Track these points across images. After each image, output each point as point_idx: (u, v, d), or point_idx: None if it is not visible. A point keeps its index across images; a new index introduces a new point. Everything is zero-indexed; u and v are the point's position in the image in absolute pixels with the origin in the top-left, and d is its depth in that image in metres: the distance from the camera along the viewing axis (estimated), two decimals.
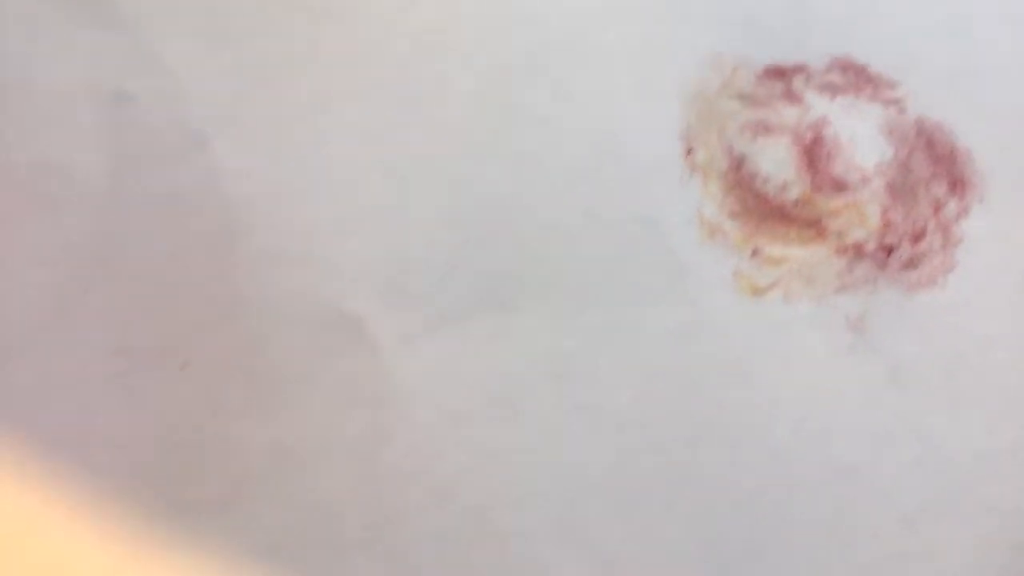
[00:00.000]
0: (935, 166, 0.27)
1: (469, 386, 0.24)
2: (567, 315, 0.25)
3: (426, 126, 0.26)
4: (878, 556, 0.25)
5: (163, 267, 0.24)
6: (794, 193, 0.26)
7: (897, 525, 0.25)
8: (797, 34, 0.27)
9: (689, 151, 0.26)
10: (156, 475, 0.23)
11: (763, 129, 0.27)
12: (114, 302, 0.24)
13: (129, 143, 0.25)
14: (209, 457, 0.23)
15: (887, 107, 0.27)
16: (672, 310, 0.25)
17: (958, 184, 0.27)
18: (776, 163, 0.27)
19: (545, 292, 0.25)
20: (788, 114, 0.27)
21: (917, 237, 0.26)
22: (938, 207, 0.27)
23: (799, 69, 0.27)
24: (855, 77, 0.27)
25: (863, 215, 0.26)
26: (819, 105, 0.27)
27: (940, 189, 0.27)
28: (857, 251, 0.26)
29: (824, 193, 0.27)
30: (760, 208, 0.26)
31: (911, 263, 0.26)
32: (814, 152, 0.27)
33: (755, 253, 0.26)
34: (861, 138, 0.27)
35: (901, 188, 0.27)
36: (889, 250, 0.26)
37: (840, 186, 0.27)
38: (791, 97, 0.27)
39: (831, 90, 0.27)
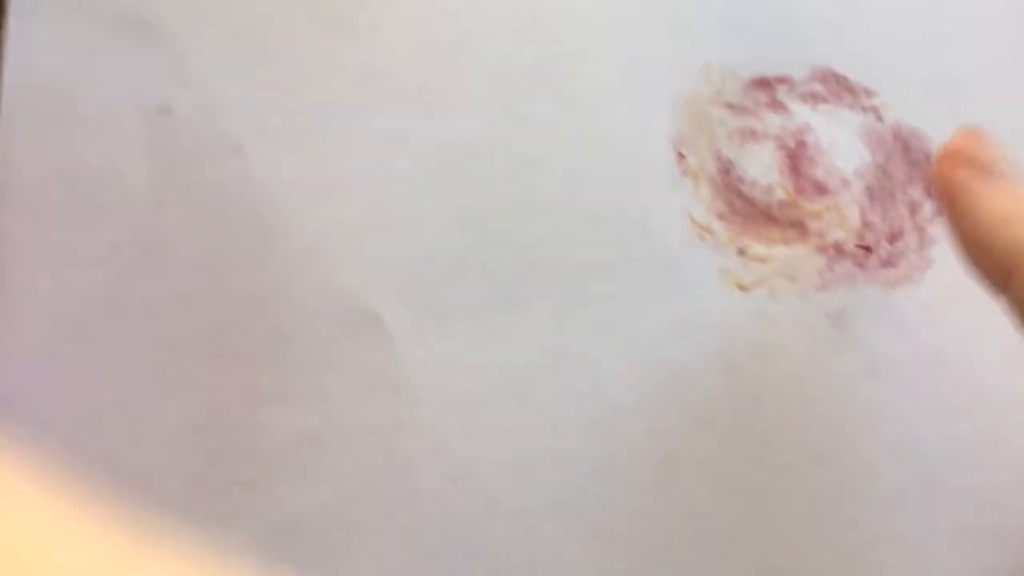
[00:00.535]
0: (911, 170, 0.29)
1: (477, 377, 0.26)
2: (568, 311, 0.27)
3: (440, 134, 0.28)
4: (857, 539, 0.27)
5: (201, 266, 0.26)
6: (778, 196, 0.28)
7: (874, 511, 0.27)
8: (782, 46, 0.29)
9: (681, 156, 0.28)
10: (192, 456, 0.25)
11: (750, 136, 0.29)
12: (158, 298, 0.26)
13: (170, 152, 0.27)
14: (240, 441, 0.25)
15: (866, 114, 0.29)
16: (665, 306, 0.27)
17: (933, 187, 0.29)
18: (762, 167, 0.29)
19: (547, 289, 0.27)
20: (773, 122, 0.29)
21: (894, 237, 0.28)
22: (914, 209, 0.29)
23: (783, 80, 0.29)
24: (836, 86, 0.29)
25: (843, 216, 0.28)
26: (802, 113, 0.29)
27: (916, 192, 0.29)
28: (837, 250, 0.28)
29: (806, 196, 0.28)
30: (746, 210, 0.28)
31: (888, 262, 0.28)
32: (797, 157, 0.29)
33: (741, 252, 0.28)
34: (841, 144, 0.29)
35: (879, 191, 0.29)
36: (868, 249, 0.28)
37: (821, 189, 0.28)
38: (776, 106, 0.29)
39: (813, 99, 0.29)
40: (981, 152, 0.24)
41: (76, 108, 0.27)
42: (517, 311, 0.27)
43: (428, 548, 0.26)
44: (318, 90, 0.28)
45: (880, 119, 0.29)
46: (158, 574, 0.12)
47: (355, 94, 0.28)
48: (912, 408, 0.27)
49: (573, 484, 0.27)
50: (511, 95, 0.28)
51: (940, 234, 0.28)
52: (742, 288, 0.28)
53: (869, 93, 0.29)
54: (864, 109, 0.29)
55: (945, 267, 0.28)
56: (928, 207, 0.29)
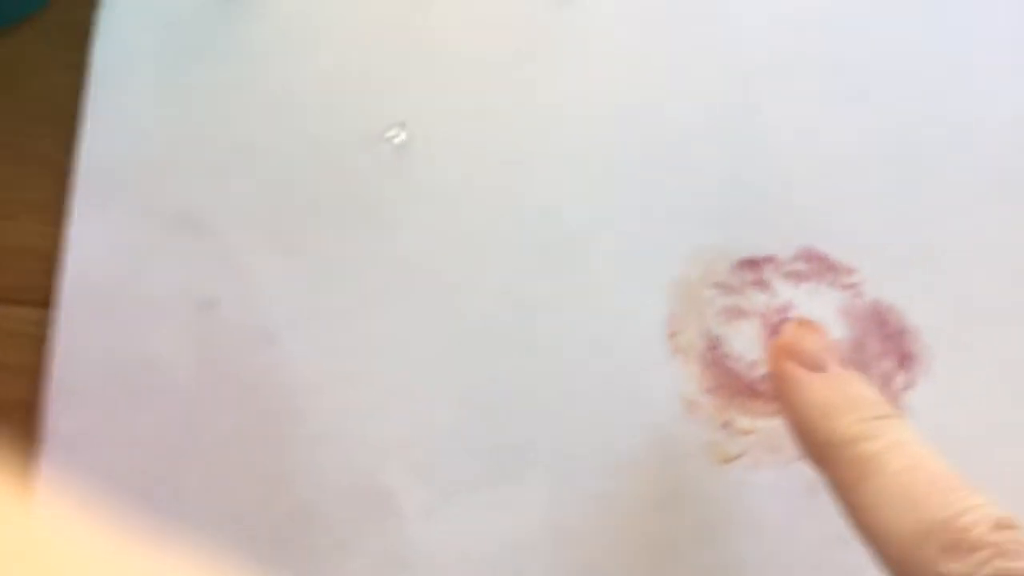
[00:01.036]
0: (885, 343, 0.31)
1: (478, 552, 0.30)
2: (563, 485, 0.30)
3: (451, 319, 0.31)
4: None
5: (231, 445, 0.30)
6: (762, 370, 0.31)
7: None
8: (768, 228, 0.32)
9: (673, 335, 0.31)
10: None
11: (737, 313, 0.32)
12: (197, 473, 0.29)
13: (212, 341, 0.31)
14: None
15: (846, 291, 0.32)
16: (654, 478, 0.30)
17: (906, 359, 0.31)
18: (747, 344, 0.31)
19: (546, 465, 0.30)
20: (758, 300, 0.32)
21: None
22: (887, 380, 0.31)
23: (769, 259, 0.32)
24: (819, 265, 0.32)
25: None
26: (785, 291, 0.32)
27: (889, 364, 0.31)
28: None
29: None
30: (732, 384, 0.31)
31: None
32: (779, 333, 0.31)
33: (727, 425, 0.31)
34: (820, 320, 0.31)
35: (854, 364, 0.31)
36: None
37: None
38: (761, 284, 0.32)
39: (797, 277, 0.32)
40: (807, 345, 0.27)
41: (131, 299, 0.31)
42: (514, 486, 0.30)
43: None
44: (346, 280, 0.31)
45: (859, 295, 0.32)
46: None
47: (378, 284, 0.31)
48: (876, 572, 0.30)
49: None
50: (516, 281, 0.31)
51: (912, 404, 0.31)
52: (727, 460, 0.31)
53: (850, 271, 0.32)
54: (844, 286, 0.32)
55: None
56: (901, 378, 0.31)
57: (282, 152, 0.32)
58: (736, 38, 0.33)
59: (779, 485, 0.31)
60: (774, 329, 0.31)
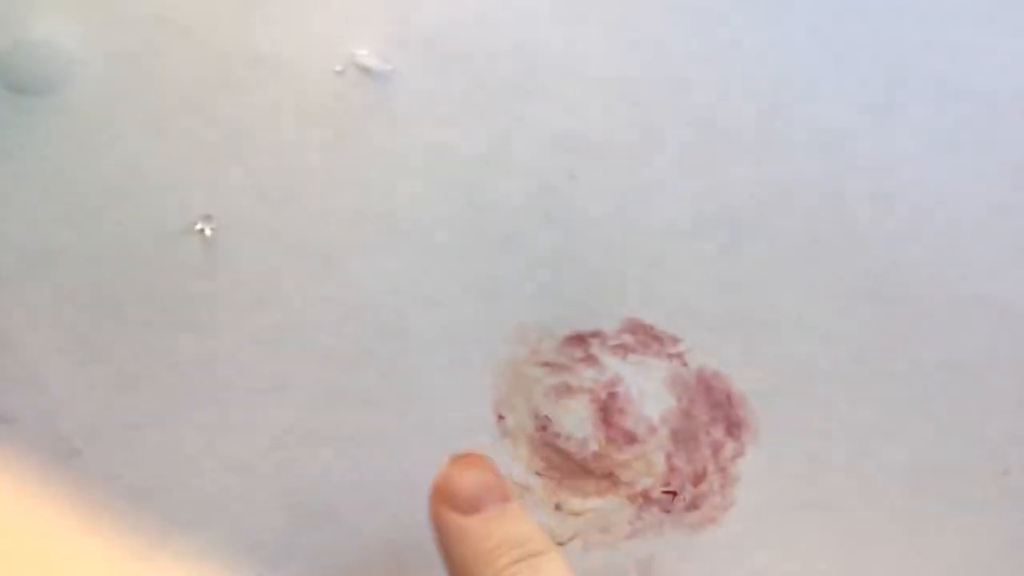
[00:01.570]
0: (713, 411, 0.31)
1: None
2: None
3: (266, 421, 0.30)
4: None
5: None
6: (592, 447, 0.31)
7: None
8: (593, 302, 0.31)
9: (500, 418, 0.31)
10: None
11: (565, 391, 0.31)
12: None
13: (10, 460, 0.29)
14: None
15: (671, 361, 0.32)
16: None
17: (734, 426, 0.31)
18: (577, 421, 0.31)
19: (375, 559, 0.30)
20: (587, 375, 0.31)
21: (698, 479, 0.31)
22: (717, 449, 0.31)
23: (596, 334, 0.31)
24: (644, 336, 0.32)
25: (650, 463, 0.31)
26: (613, 365, 0.31)
27: (718, 432, 0.31)
28: (645, 498, 0.31)
29: (616, 446, 0.31)
30: (563, 464, 0.31)
31: (693, 504, 0.31)
32: (608, 409, 0.31)
33: (558, 507, 0.31)
34: (648, 392, 0.31)
35: (683, 434, 0.31)
36: (673, 494, 0.31)
37: (631, 438, 0.31)
38: (589, 359, 0.31)
39: (623, 350, 0.31)
40: (462, 485, 0.26)
41: None
42: None
43: None
44: (152, 386, 0.30)
45: (685, 364, 0.32)
46: None
47: (184, 386, 0.30)
48: None
49: None
50: (333, 376, 0.30)
51: (742, 472, 0.31)
52: (558, 542, 0.30)
53: (675, 340, 0.32)
54: (670, 356, 0.32)
55: (747, 505, 0.31)
56: (730, 447, 0.31)
57: (81, 254, 0.30)
58: (555, 111, 0.32)
59: (611, 565, 0.30)
60: (602, 405, 0.31)
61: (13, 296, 0.30)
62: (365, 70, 0.32)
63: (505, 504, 0.26)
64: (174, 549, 0.29)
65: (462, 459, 0.27)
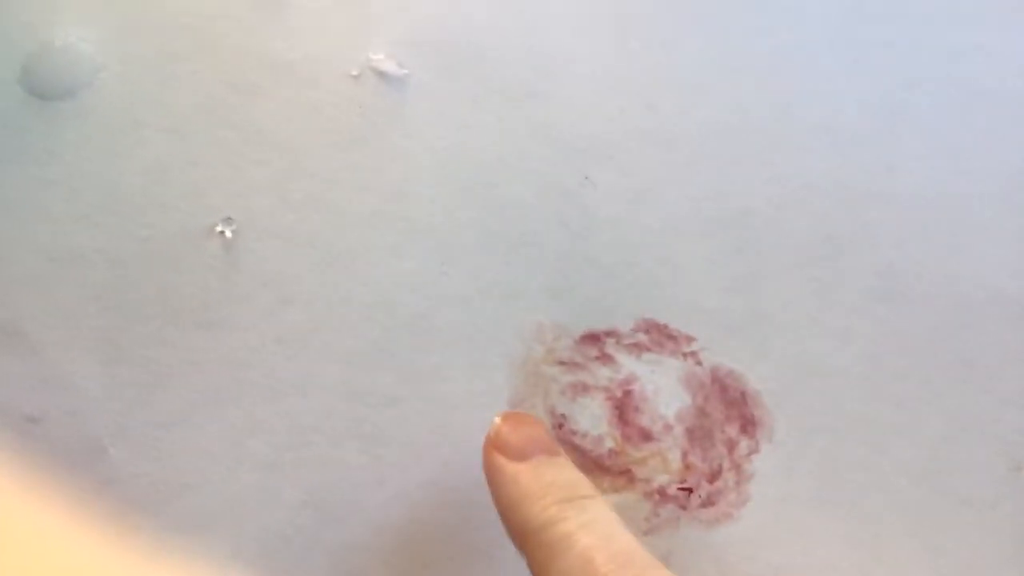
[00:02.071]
0: (727, 409, 0.32)
1: None
2: None
3: (289, 418, 0.30)
4: None
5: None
6: (608, 445, 0.31)
7: None
8: (608, 301, 0.32)
9: None
10: None
11: (581, 389, 0.32)
12: None
13: (38, 459, 0.29)
14: None
15: (686, 360, 0.32)
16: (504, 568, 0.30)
17: (749, 424, 0.32)
18: (593, 419, 0.31)
19: (390, 558, 0.30)
20: (602, 374, 0.32)
21: (714, 476, 0.31)
22: (732, 446, 0.32)
23: (611, 333, 0.32)
24: (658, 335, 0.32)
25: (666, 461, 0.31)
26: (628, 364, 0.32)
27: (733, 430, 0.32)
28: (662, 494, 0.31)
29: (633, 443, 0.31)
30: (579, 462, 0.31)
31: (709, 501, 0.31)
32: (624, 407, 0.32)
33: None
34: (664, 390, 0.32)
35: (699, 432, 0.32)
36: (689, 491, 0.31)
37: (646, 436, 0.31)
38: (605, 358, 0.32)
39: (638, 349, 0.32)
40: (512, 437, 0.28)
41: None
42: None
43: None
44: (174, 385, 0.30)
45: (699, 363, 0.32)
46: None
47: (207, 386, 0.30)
48: None
49: None
50: (353, 375, 0.31)
51: (757, 469, 0.32)
52: None
53: (689, 339, 0.32)
54: (684, 355, 0.32)
55: (762, 502, 0.31)
56: (744, 444, 0.32)
57: (105, 256, 0.31)
58: (569, 114, 0.33)
59: None
60: (618, 403, 0.32)
61: (39, 297, 0.30)
62: (381, 74, 0.32)
63: (554, 456, 0.28)
64: (200, 547, 0.30)
65: (513, 416, 0.29)
